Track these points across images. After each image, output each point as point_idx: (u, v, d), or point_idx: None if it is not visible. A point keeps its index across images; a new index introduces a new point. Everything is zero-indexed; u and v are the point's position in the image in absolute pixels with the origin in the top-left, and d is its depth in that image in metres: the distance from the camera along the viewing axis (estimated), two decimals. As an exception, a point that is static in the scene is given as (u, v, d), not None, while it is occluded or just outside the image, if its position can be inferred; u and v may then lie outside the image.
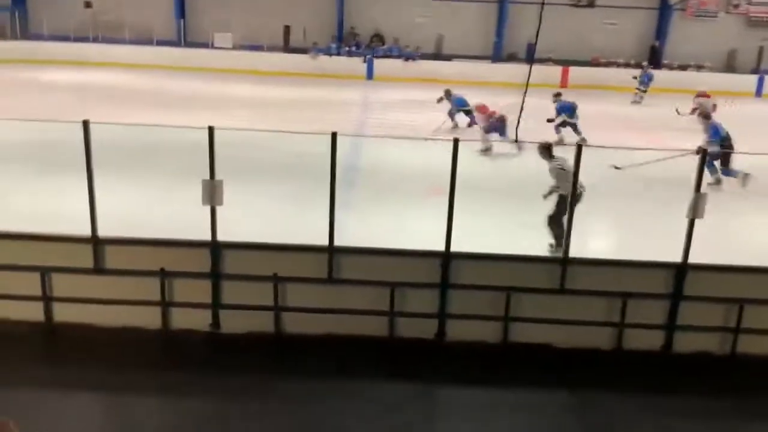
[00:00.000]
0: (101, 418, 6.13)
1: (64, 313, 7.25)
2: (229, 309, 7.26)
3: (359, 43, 30.71)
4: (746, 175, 12.35)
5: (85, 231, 7.06)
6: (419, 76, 26.91)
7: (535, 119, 15.84)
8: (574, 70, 28.27)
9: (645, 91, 24.07)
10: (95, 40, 29.32)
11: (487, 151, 14.37)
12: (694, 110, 16.75)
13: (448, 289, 7.17)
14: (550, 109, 16.39)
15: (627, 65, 28.42)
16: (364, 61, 28.84)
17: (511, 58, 30.31)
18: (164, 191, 10.87)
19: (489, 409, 6.33)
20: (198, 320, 7.27)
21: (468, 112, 16.85)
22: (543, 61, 27.60)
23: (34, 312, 7.19)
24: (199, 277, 7.15)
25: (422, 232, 7.73)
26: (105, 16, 29.95)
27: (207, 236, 7.05)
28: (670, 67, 29.82)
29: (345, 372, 6.76)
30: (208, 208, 6.98)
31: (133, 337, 7.14)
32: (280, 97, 22.24)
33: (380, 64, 28.76)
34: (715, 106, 16.43)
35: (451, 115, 17.22)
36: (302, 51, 29.39)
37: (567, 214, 8.48)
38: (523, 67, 20.16)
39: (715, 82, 27.42)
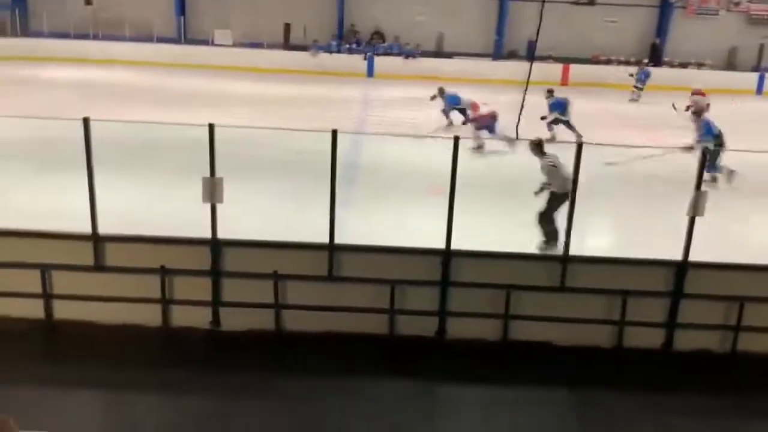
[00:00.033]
0: (101, 415, 6.14)
1: (64, 311, 7.25)
2: (230, 306, 7.26)
3: (360, 41, 30.67)
4: (731, 172, 12.32)
5: (86, 228, 7.06)
6: (420, 73, 26.85)
7: (536, 117, 15.87)
8: (574, 68, 28.23)
9: (642, 89, 24.01)
10: (95, 37, 29.28)
11: (479, 148, 14.35)
12: (688, 107, 16.78)
13: (449, 287, 7.17)
14: (545, 107, 16.41)
15: (627, 63, 28.35)
16: (365, 59, 28.80)
17: (512, 55, 30.27)
18: (164, 188, 10.87)
19: (489, 407, 6.34)
20: (198, 318, 7.28)
21: (462, 110, 16.81)
22: (543, 58, 27.56)
23: (34, 309, 7.19)
24: (200, 274, 7.15)
25: (422, 230, 7.74)
26: (105, 13, 29.90)
27: (207, 234, 7.05)
28: (671, 65, 29.79)
29: (345, 370, 6.76)
30: (208, 206, 6.98)
31: (134, 335, 7.14)
32: (280, 94, 22.22)
33: (381, 62, 28.72)
34: (708, 105, 16.46)
35: (445, 113, 17.19)
36: (303, 48, 29.35)
37: (558, 211, 8.53)
38: (524, 65, 20.13)
39: (715, 80, 27.41)
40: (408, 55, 29.18)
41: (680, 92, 19.13)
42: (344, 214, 7.95)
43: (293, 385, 6.44)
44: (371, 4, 30.90)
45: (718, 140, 12.44)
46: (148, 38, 29.09)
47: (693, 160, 12.21)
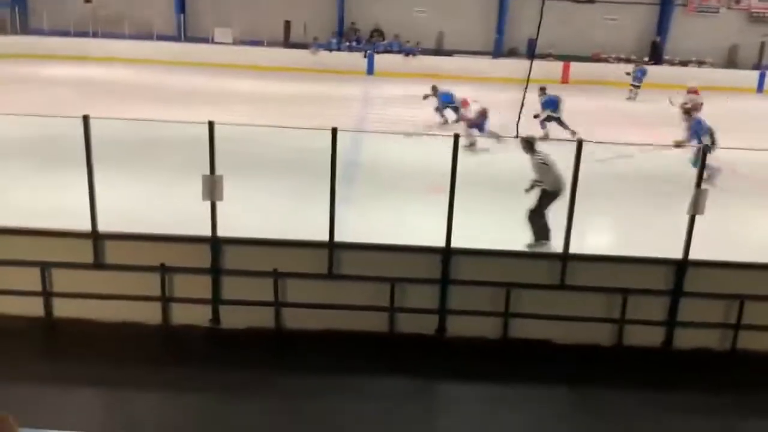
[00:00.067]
0: (101, 413, 6.14)
1: (64, 309, 7.25)
2: (230, 304, 7.26)
3: (360, 39, 30.64)
4: (715, 170, 12.26)
5: (86, 226, 7.06)
6: (420, 71, 26.81)
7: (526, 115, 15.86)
8: (574, 66, 28.20)
9: (639, 87, 23.94)
10: (95, 35, 29.25)
11: (471, 146, 14.30)
12: (683, 105, 16.85)
13: (449, 285, 7.17)
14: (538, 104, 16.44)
15: (628, 61, 28.30)
16: (365, 57, 28.77)
17: (512, 53, 30.23)
18: (164, 186, 10.86)
19: (489, 405, 6.35)
20: (198, 316, 7.28)
21: (455, 108, 16.75)
22: (544, 56, 27.53)
23: (34, 307, 7.19)
24: (200, 272, 7.15)
25: (422, 228, 7.73)
26: (105, 10, 29.87)
27: (207, 231, 7.04)
28: (671, 63, 29.75)
29: (345, 367, 6.76)
30: (208, 204, 6.97)
31: (133, 333, 7.14)
32: (280, 92, 22.20)
33: (381, 60, 28.68)
34: (701, 104, 16.52)
35: (439, 111, 17.13)
36: (303, 46, 29.31)
37: (549, 208, 8.54)
38: (524, 63, 20.12)
39: (716, 78, 27.39)
40: (408, 52, 29.15)
41: (681, 90, 19.11)
42: (344, 212, 7.95)
43: (293, 382, 6.44)
44: (371, 1, 30.86)
45: (709, 139, 12.42)
46: (148, 36, 29.06)
47: (683, 156, 12.35)
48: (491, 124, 14.80)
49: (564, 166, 8.04)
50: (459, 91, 17.39)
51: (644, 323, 7.25)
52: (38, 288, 7.16)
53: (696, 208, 6.96)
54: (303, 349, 7.07)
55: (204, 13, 30.83)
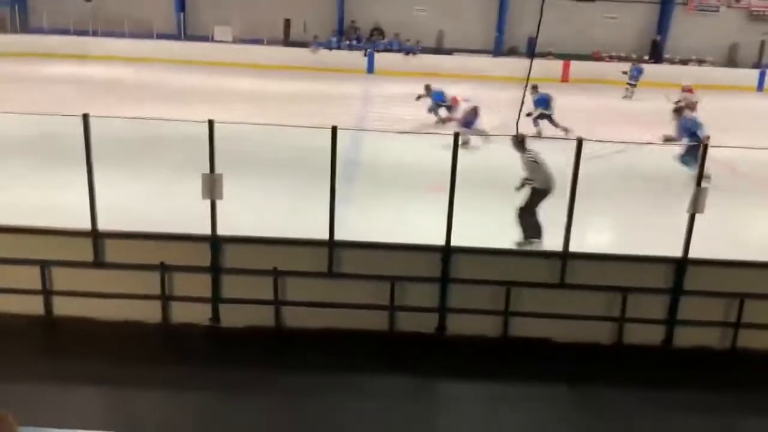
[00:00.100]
0: (101, 411, 6.13)
1: (64, 307, 7.25)
2: (229, 303, 7.26)
3: (360, 37, 30.63)
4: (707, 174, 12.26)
5: (85, 225, 7.05)
6: (420, 70, 26.82)
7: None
8: (575, 65, 28.20)
9: (635, 86, 23.91)
10: (95, 33, 29.25)
11: (464, 144, 14.26)
12: (678, 102, 16.95)
13: (449, 284, 7.17)
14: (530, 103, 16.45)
15: (628, 59, 28.30)
16: (365, 55, 28.77)
17: (512, 52, 30.23)
18: (164, 185, 10.86)
19: (489, 403, 6.34)
20: (198, 314, 7.28)
21: (449, 107, 16.70)
22: (544, 55, 27.53)
23: (34, 305, 7.19)
24: (199, 271, 7.15)
25: (422, 227, 7.73)
26: (105, 9, 29.87)
27: (207, 230, 7.04)
28: (672, 62, 29.75)
29: (345, 366, 6.76)
30: (208, 202, 6.97)
31: (133, 331, 7.14)
32: (280, 91, 22.20)
33: (381, 58, 28.69)
34: (696, 102, 16.63)
35: (433, 110, 17.08)
36: (303, 45, 29.32)
37: (539, 206, 8.54)
38: (524, 61, 20.11)
39: (716, 77, 27.40)
40: (408, 51, 29.15)
41: (677, 89, 19.12)
42: (344, 211, 7.95)
43: (293, 381, 6.44)
44: (372, 0, 30.86)
45: (696, 138, 12.43)
46: (147, 35, 29.05)
47: (675, 153, 12.36)
48: (483, 122, 14.80)
49: (554, 164, 8.02)
50: (460, 90, 17.40)
51: (644, 322, 7.25)
52: (38, 286, 7.16)
53: (696, 206, 6.96)
54: (303, 348, 7.07)
55: (204, 12, 30.84)
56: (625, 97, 23.82)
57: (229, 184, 6.91)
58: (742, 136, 12.72)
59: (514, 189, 8.78)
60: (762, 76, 28.67)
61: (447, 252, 7.09)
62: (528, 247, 8.47)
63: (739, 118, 20.01)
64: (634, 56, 29.01)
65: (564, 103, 17.04)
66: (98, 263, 7.15)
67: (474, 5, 30.84)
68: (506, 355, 7.18)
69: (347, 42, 30.08)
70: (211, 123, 6.75)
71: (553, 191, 8.55)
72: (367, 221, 9.24)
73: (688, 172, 12.30)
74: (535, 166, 8.61)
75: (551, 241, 8.01)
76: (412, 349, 7.15)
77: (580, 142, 6.99)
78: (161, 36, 29.32)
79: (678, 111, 12.91)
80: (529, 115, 15.95)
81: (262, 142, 12.99)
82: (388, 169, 12.59)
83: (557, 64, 27.96)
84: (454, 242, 7.07)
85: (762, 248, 8.34)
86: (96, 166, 6.97)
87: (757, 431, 6.29)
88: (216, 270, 7.16)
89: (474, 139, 14.22)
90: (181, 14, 30.59)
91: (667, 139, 12.36)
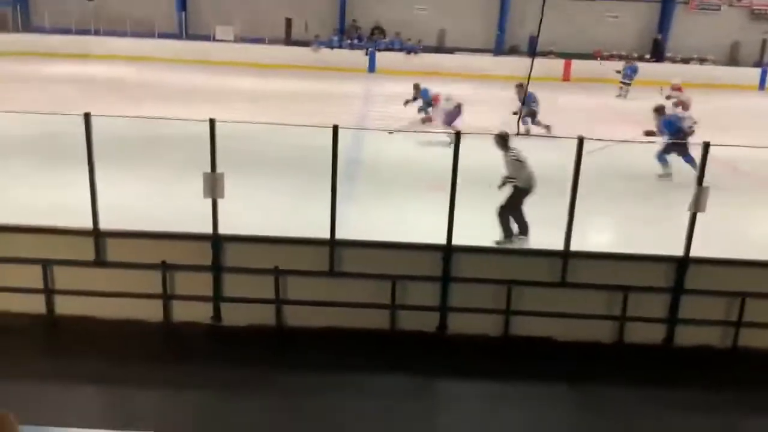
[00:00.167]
0: (103, 410, 6.14)
1: (65, 306, 7.26)
2: (231, 302, 7.26)
3: (361, 36, 30.63)
4: (666, 172, 12.27)
5: (87, 223, 7.06)
6: (421, 69, 26.83)
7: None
8: (576, 63, 28.19)
9: (629, 84, 23.83)
10: (97, 32, 29.29)
11: (447, 140, 14.17)
12: (668, 98, 17.07)
13: (450, 283, 7.17)
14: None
15: (630, 58, 28.28)
16: (366, 54, 28.77)
17: (513, 51, 30.24)
18: (165, 184, 10.86)
19: (490, 402, 6.35)
20: (199, 313, 7.28)
21: (430, 105, 16.58)
22: (545, 54, 27.53)
23: (35, 304, 7.20)
24: (201, 269, 7.15)
25: (423, 225, 7.73)
26: (106, 9, 29.90)
27: (208, 229, 7.05)
28: (673, 61, 29.73)
29: (346, 365, 6.76)
30: (209, 201, 6.97)
31: (135, 330, 7.14)
32: (281, 89, 22.21)
33: (382, 57, 28.70)
34: (688, 99, 16.73)
35: (423, 109, 16.94)
36: (304, 44, 29.34)
37: (522, 204, 8.56)
38: (525, 60, 20.10)
39: (718, 76, 27.39)
40: (409, 50, 29.15)
41: (683, 89, 19.11)
42: (345, 210, 7.95)
43: (294, 380, 6.45)
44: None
45: (680, 134, 12.44)
46: (149, 34, 29.08)
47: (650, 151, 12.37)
48: (465, 120, 14.76)
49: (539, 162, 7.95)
50: (460, 89, 17.39)
51: (645, 320, 7.25)
52: (40, 285, 7.16)
53: (698, 205, 6.95)
54: (304, 347, 7.08)
55: (205, 11, 30.87)
56: (618, 96, 23.69)
57: (230, 184, 6.92)
58: (744, 135, 12.71)
59: (496, 187, 8.78)
60: (763, 74, 28.66)
61: (448, 251, 7.09)
62: (509, 246, 8.47)
63: (741, 117, 20.01)
64: (635, 55, 28.99)
65: (564, 102, 17.05)
66: (100, 262, 7.15)
67: (475, 4, 30.85)
68: (507, 354, 7.18)
69: (348, 41, 30.07)
70: (212, 122, 6.75)
71: (534, 190, 8.63)
72: (369, 220, 9.23)
73: (660, 170, 12.40)
74: (517, 164, 8.62)
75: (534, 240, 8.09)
76: (413, 348, 7.15)
77: (581, 141, 6.99)
78: (163, 35, 29.35)
79: (659, 110, 12.87)
80: (515, 113, 16.01)
81: (264, 141, 13.00)
82: (390, 167, 12.59)
83: (558, 63, 27.95)
84: (454, 241, 7.08)
85: (763, 247, 8.34)
86: (98, 166, 6.98)
87: (758, 430, 6.29)
88: (217, 269, 7.17)
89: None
90: (183, 13, 30.62)
91: (648, 134, 12.38)
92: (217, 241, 7.08)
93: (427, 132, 15.04)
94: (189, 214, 7.16)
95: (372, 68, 28.56)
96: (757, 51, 30.52)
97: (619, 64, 25.11)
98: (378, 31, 31.02)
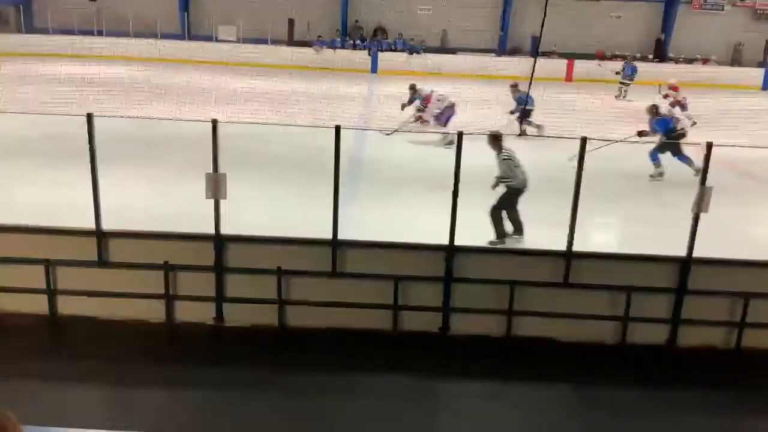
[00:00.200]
0: (105, 410, 6.15)
1: (68, 306, 7.27)
2: (233, 302, 7.26)
3: (363, 37, 30.63)
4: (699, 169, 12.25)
5: (90, 224, 7.07)
6: (423, 69, 26.83)
7: (537, 112, 15.85)
8: (578, 63, 28.16)
9: (629, 84, 23.74)
10: (99, 33, 29.32)
11: (450, 144, 14.12)
12: (665, 97, 17.10)
13: (452, 283, 7.16)
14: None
15: (634, 58, 28.23)
16: (369, 55, 28.76)
17: (516, 51, 30.22)
18: (168, 185, 10.86)
19: (492, 403, 6.33)
20: (202, 313, 7.29)
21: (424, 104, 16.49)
22: (547, 54, 27.50)
23: (38, 304, 7.21)
24: (203, 270, 7.16)
25: (427, 225, 7.72)
26: (109, 9, 29.94)
27: (211, 229, 7.05)
28: (676, 61, 29.69)
29: (348, 365, 6.76)
30: (212, 201, 6.97)
31: (137, 330, 7.15)
32: (284, 90, 22.20)
33: (384, 58, 28.68)
34: (681, 100, 16.79)
35: (421, 109, 16.85)
36: (306, 44, 29.34)
37: (516, 205, 8.57)
38: (528, 60, 20.12)
39: (721, 76, 27.33)
40: (412, 50, 29.13)
41: (684, 88, 19.08)
42: (348, 210, 7.95)
43: (296, 380, 6.44)
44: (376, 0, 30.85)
45: (673, 134, 12.43)
46: (152, 34, 29.10)
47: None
48: (460, 119, 14.74)
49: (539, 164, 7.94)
50: (463, 90, 17.36)
51: (648, 321, 7.24)
52: (43, 285, 7.17)
53: (700, 206, 6.94)
54: (306, 347, 7.07)
55: (208, 12, 30.89)
56: (617, 96, 23.60)
57: (232, 184, 6.92)
58: (746, 135, 12.70)
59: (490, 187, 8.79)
60: (766, 75, 28.58)
61: (451, 251, 7.09)
62: (501, 246, 8.46)
63: (743, 117, 19.95)
64: (638, 55, 28.94)
65: (564, 102, 17.02)
66: (102, 262, 7.16)
67: (478, 4, 30.81)
68: (510, 354, 7.17)
69: (351, 41, 30.07)
70: (214, 122, 6.76)
71: (527, 190, 8.65)
72: (372, 220, 9.22)
73: (653, 171, 12.39)
74: (510, 164, 8.63)
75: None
76: (415, 348, 7.15)
77: (584, 141, 6.98)
78: (165, 36, 29.37)
79: (651, 110, 12.86)
80: (512, 113, 16.02)
81: (266, 141, 12.99)
82: (393, 167, 12.59)
83: (561, 63, 27.92)
84: (457, 241, 7.07)
85: (766, 247, 8.32)
86: (100, 166, 6.98)
87: (761, 431, 6.28)
88: (220, 269, 7.17)
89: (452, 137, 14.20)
90: (185, 14, 30.64)
91: (641, 134, 12.39)
92: (219, 241, 7.08)
93: (425, 132, 15.02)
94: (192, 214, 7.16)
95: (374, 69, 28.55)
96: (760, 51, 30.45)
97: (618, 65, 25.03)
98: (380, 31, 31.02)
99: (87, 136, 6.82)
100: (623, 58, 27.78)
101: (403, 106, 16.28)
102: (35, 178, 10.91)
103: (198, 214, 7.05)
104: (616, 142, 11.46)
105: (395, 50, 29.46)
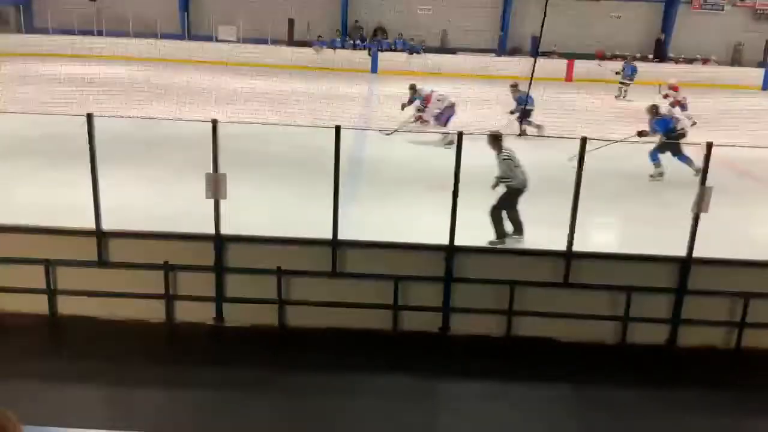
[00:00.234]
0: (105, 410, 6.15)
1: (68, 306, 7.27)
2: (233, 302, 7.26)
3: (363, 37, 30.63)
4: (699, 168, 12.26)
5: (90, 224, 7.07)
6: (423, 69, 26.84)
7: (537, 112, 15.85)
8: (578, 63, 28.15)
9: (629, 84, 23.72)
10: (99, 33, 29.32)
11: (450, 144, 14.09)
12: (665, 97, 17.10)
13: (452, 283, 7.16)
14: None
15: (634, 58, 28.23)
16: (369, 55, 28.76)
17: (516, 51, 30.22)
18: (168, 184, 10.86)
19: (492, 403, 6.33)
20: (202, 313, 7.29)
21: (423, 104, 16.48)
22: (547, 54, 27.50)
23: (38, 304, 7.21)
24: (203, 270, 7.16)
25: (426, 225, 7.72)
26: (109, 9, 29.95)
27: (211, 229, 7.05)
28: (676, 61, 29.69)
29: (348, 365, 6.76)
30: (212, 201, 6.97)
31: (137, 330, 7.15)
32: (284, 90, 22.20)
33: (384, 58, 28.68)
34: (681, 100, 16.79)
35: (421, 109, 16.83)
36: (306, 44, 29.34)
37: (516, 205, 8.58)
38: (528, 61, 20.12)
39: (721, 76, 27.32)
40: (412, 50, 29.13)
41: (686, 88, 19.09)
42: (348, 210, 7.95)
43: (296, 380, 6.44)
44: (376, 0, 30.85)
45: (672, 134, 12.43)
46: (152, 34, 29.10)
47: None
48: (461, 119, 14.75)
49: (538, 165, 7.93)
50: (463, 90, 17.35)
51: (648, 321, 7.24)
52: (43, 285, 7.17)
53: (700, 206, 6.94)
54: (306, 347, 7.07)
55: (208, 12, 30.89)
56: (617, 96, 23.58)
57: (233, 184, 6.92)
58: (746, 135, 12.70)
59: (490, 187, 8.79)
60: (766, 75, 28.57)
61: (451, 251, 7.09)
62: (501, 246, 8.47)
63: (743, 117, 19.94)
64: (638, 55, 28.93)
65: (566, 102, 17.02)
66: (102, 262, 7.16)
67: (478, 4, 30.81)
68: (510, 354, 7.17)
69: (351, 41, 30.07)
70: (214, 122, 6.76)
71: (527, 190, 8.66)
72: (371, 220, 9.22)
73: (653, 171, 12.40)
74: (510, 164, 8.63)
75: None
76: (415, 348, 7.15)
77: (584, 141, 6.98)
78: (165, 36, 29.37)
79: (651, 110, 12.87)
80: (512, 112, 16.02)
81: (266, 141, 12.99)
82: (393, 167, 12.59)
83: (561, 63, 27.91)
84: (458, 241, 7.07)
85: (766, 247, 8.32)
86: (100, 166, 6.98)
87: (762, 431, 6.28)
88: (220, 269, 7.17)
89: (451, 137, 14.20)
90: (185, 13, 30.64)
91: (641, 134, 12.39)
92: (219, 241, 7.08)
93: (425, 132, 15.02)
94: (192, 214, 7.16)
95: (374, 69, 28.55)
96: (760, 51, 30.45)
97: (618, 65, 25.02)
98: (380, 31, 31.02)
99: (87, 136, 6.82)
100: (623, 58, 27.77)
101: (403, 107, 16.25)
102: (35, 178, 10.91)
103: (198, 214, 7.05)
104: (616, 142, 11.47)
105: (395, 50, 29.46)
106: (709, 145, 6.85)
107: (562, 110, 16.41)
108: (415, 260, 7.20)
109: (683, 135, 12.64)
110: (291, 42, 30.19)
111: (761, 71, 28.76)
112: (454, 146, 6.93)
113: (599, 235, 9.83)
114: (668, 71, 25.53)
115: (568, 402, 6.51)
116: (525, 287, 7.16)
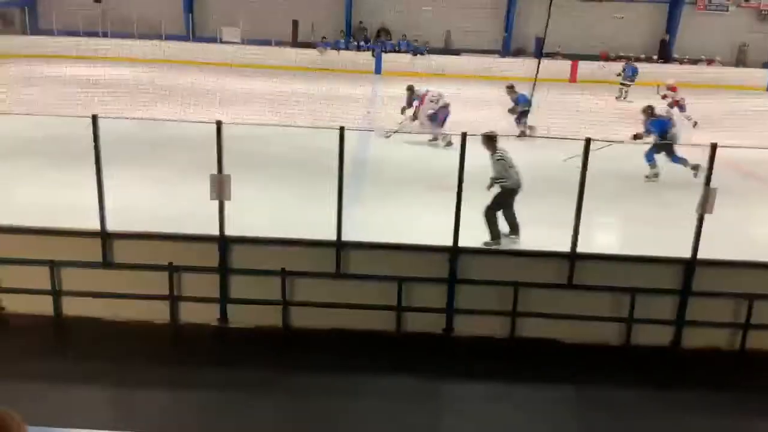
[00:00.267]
0: (109, 411, 6.16)
1: (73, 307, 7.29)
2: (237, 303, 7.28)
3: (367, 38, 30.64)
4: (696, 166, 12.22)
5: (95, 225, 7.09)
6: (427, 70, 26.81)
7: (537, 112, 15.84)
8: (582, 65, 28.11)
9: (630, 86, 23.64)
10: (104, 34, 29.38)
11: (449, 145, 14.06)
12: (664, 97, 17.08)
13: (456, 284, 7.16)
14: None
15: (638, 59, 28.17)
16: (373, 56, 28.77)
17: (520, 52, 30.19)
18: (172, 186, 10.88)
19: (496, 404, 6.34)
20: (206, 314, 7.30)
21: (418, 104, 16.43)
22: (551, 55, 27.46)
23: (43, 305, 7.23)
24: (207, 271, 7.17)
25: (427, 225, 7.72)
26: (114, 11, 30.01)
27: (215, 231, 7.06)
28: (681, 62, 29.62)
29: (352, 366, 6.77)
30: (217, 203, 6.98)
31: (142, 331, 7.17)
32: (288, 91, 22.20)
33: (388, 59, 28.68)
34: (679, 100, 16.77)
35: (419, 110, 16.79)
36: (310, 45, 29.36)
37: (511, 205, 8.57)
38: (532, 62, 20.10)
39: (725, 76, 27.25)
40: (416, 52, 29.13)
41: (689, 89, 19.06)
42: (352, 211, 7.96)
43: (300, 381, 6.45)
44: (379, 1, 30.85)
45: (666, 135, 12.42)
46: (156, 36, 29.15)
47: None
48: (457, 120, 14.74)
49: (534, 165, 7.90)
50: (467, 90, 17.34)
51: (652, 322, 7.23)
52: (47, 287, 7.20)
53: (705, 207, 6.92)
54: (310, 348, 7.08)
55: (212, 12, 30.93)
56: (618, 97, 23.51)
57: (237, 185, 6.93)
58: (751, 136, 12.67)
59: (485, 188, 8.78)
60: (772, 75, 28.49)
61: (454, 252, 7.09)
62: (497, 247, 8.46)
63: (748, 118, 19.90)
64: (642, 56, 28.88)
65: (569, 103, 16.99)
66: (107, 263, 7.18)
67: (482, 6, 30.79)
68: (514, 355, 7.17)
69: (355, 43, 30.08)
70: (219, 124, 6.77)
71: (521, 190, 8.65)
72: (376, 221, 9.23)
73: (647, 170, 12.38)
74: (504, 165, 8.63)
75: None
76: (419, 349, 7.15)
77: (588, 142, 6.98)
78: (170, 37, 29.41)
79: (646, 111, 12.84)
80: (510, 112, 16.02)
81: (270, 142, 13.00)
82: (396, 168, 12.58)
83: (565, 64, 27.88)
84: (461, 242, 7.07)
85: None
86: (105, 167, 7.00)
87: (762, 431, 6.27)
88: (224, 270, 7.18)
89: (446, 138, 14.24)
90: (189, 15, 30.69)
91: (636, 137, 12.38)
92: (223, 242, 7.10)
93: (423, 133, 15.01)
94: (197, 215, 7.18)
95: (378, 70, 28.55)
96: (764, 52, 30.34)
97: (621, 66, 24.99)
98: (384, 32, 31.02)
99: (92, 137, 6.84)
100: (628, 59, 27.71)
101: (404, 109, 16.23)
102: (40, 180, 10.93)
103: (202, 215, 7.07)
104: (611, 144, 11.44)
105: (399, 51, 29.46)
106: (714, 146, 6.84)
107: (566, 111, 16.38)
108: (418, 261, 7.21)
109: (673, 142, 12.58)
110: (295, 43, 30.20)
111: (766, 72, 28.68)
112: (453, 147, 6.93)
113: (600, 236, 9.82)
114: (672, 72, 25.48)
115: (572, 403, 6.50)
116: (529, 288, 7.16)
